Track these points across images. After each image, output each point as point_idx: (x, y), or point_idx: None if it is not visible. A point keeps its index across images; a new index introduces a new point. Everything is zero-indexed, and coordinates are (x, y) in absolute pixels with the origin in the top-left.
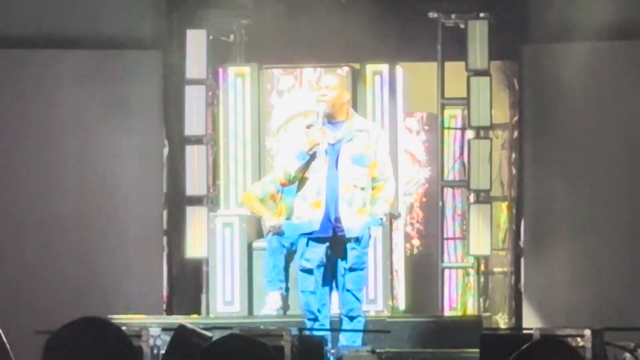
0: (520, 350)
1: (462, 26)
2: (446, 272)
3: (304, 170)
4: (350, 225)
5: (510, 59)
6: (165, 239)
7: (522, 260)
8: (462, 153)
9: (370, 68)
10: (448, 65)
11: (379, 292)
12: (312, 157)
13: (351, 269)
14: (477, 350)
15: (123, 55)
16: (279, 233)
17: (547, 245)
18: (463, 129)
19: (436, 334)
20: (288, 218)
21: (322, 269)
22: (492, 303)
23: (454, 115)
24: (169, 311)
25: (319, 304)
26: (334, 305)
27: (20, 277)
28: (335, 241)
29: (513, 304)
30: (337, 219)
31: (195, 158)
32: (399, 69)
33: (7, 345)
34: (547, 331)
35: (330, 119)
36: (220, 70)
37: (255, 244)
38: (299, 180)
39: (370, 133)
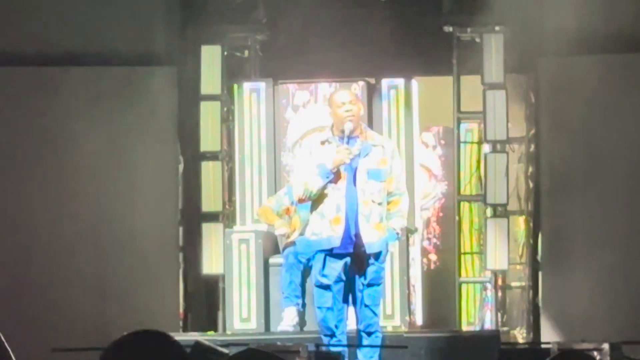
0: None
1: (477, 40)
2: (463, 286)
3: (324, 188)
4: (370, 240)
5: (526, 72)
6: (181, 255)
7: (540, 275)
8: (478, 167)
9: (385, 83)
10: (464, 79)
11: (397, 307)
12: (336, 175)
13: (369, 285)
14: None
15: (137, 72)
16: (289, 245)
17: (565, 259)
18: (479, 143)
19: (454, 349)
20: (302, 233)
21: (339, 285)
22: (509, 318)
23: (470, 129)
24: (185, 328)
25: (336, 320)
26: (351, 320)
27: (36, 295)
28: (354, 257)
29: (531, 319)
30: (357, 235)
31: (210, 174)
32: (415, 83)
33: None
34: (565, 345)
35: (350, 134)
36: (236, 86)
37: (272, 260)
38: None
39: (385, 148)
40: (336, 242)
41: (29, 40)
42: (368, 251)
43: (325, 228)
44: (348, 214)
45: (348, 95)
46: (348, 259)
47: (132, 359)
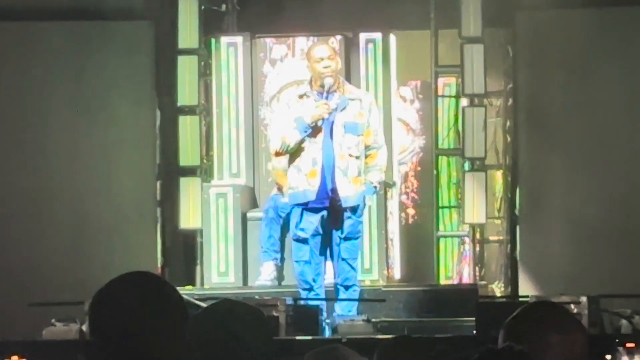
0: (515, 314)
1: None
2: (442, 240)
3: (302, 142)
4: (347, 194)
5: (504, 26)
6: (158, 210)
7: (518, 228)
8: (456, 121)
9: (363, 37)
10: (441, 33)
11: (375, 261)
12: (314, 129)
13: (346, 238)
14: (473, 318)
15: (114, 26)
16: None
17: (543, 213)
18: (457, 97)
19: (432, 303)
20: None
21: (317, 239)
22: (487, 271)
23: (448, 84)
24: None
25: (314, 274)
26: (329, 274)
27: (11, 252)
28: (331, 211)
29: (509, 272)
30: (334, 189)
31: (188, 128)
32: (393, 37)
33: None
34: (543, 299)
35: (329, 89)
36: (213, 40)
37: (250, 214)
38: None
39: (363, 101)
40: (312, 195)
41: None
42: (344, 205)
43: (302, 182)
44: (324, 167)
45: (327, 50)
46: (325, 213)
47: (125, 299)
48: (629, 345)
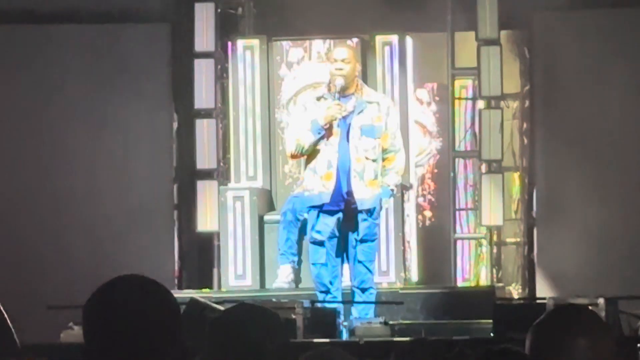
0: (543, 318)
1: None
2: (459, 242)
3: (317, 144)
4: (362, 197)
5: (521, 28)
6: (176, 213)
7: (535, 230)
8: (473, 123)
9: (379, 39)
10: (458, 35)
11: (392, 263)
12: (328, 131)
13: (362, 241)
14: (491, 320)
15: (131, 29)
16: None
17: (560, 215)
18: (474, 99)
19: (449, 305)
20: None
21: (333, 241)
22: (505, 273)
23: (464, 86)
24: (181, 285)
25: (331, 277)
26: (346, 277)
27: (31, 253)
28: (346, 213)
29: (526, 274)
30: (349, 192)
31: (205, 132)
32: (409, 40)
33: (7, 320)
34: (560, 300)
35: (343, 91)
36: (229, 43)
37: (267, 217)
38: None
39: (381, 105)
40: (326, 198)
41: None
42: (360, 207)
43: (317, 184)
44: (340, 170)
45: (344, 52)
46: (340, 215)
47: (118, 305)
48: None
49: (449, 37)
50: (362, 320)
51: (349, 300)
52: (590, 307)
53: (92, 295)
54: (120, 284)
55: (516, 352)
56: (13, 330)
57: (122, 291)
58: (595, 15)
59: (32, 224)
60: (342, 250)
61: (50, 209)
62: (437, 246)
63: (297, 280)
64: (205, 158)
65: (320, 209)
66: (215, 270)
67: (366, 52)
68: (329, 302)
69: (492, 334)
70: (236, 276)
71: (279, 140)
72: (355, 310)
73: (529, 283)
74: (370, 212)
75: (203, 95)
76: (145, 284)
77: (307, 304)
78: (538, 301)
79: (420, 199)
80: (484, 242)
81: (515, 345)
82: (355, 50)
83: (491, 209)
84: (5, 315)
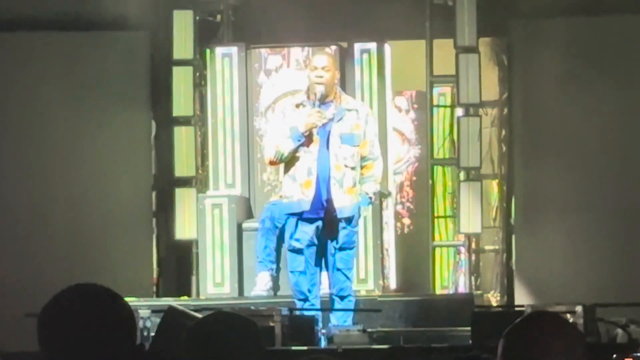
0: (515, 324)
1: (450, 3)
2: (437, 250)
3: (296, 151)
4: (342, 205)
5: (499, 36)
6: (154, 220)
7: (513, 238)
8: (451, 131)
9: (358, 46)
10: (436, 42)
11: (370, 271)
12: (308, 138)
13: (341, 248)
14: (469, 328)
15: (109, 37)
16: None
17: (538, 223)
18: (452, 107)
19: (427, 313)
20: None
21: (312, 249)
22: (483, 281)
23: (443, 93)
24: (159, 293)
25: (309, 284)
26: (324, 285)
27: (6, 261)
28: (326, 221)
29: (505, 282)
30: (329, 200)
31: (183, 139)
32: (387, 47)
33: None
34: (538, 308)
35: (323, 99)
36: (208, 51)
37: (245, 225)
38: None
39: (359, 112)
40: (306, 205)
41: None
42: (339, 215)
43: (296, 191)
44: (319, 178)
45: (324, 60)
46: (319, 223)
47: (71, 315)
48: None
49: (427, 45)
50: (340, 327)
51: (327, 307)
52: (568, 314)
53: (47, 304)
54: (76, 293)
55: (485, 359)
56: None
57: (78, 299)
58: (573, 24)
59: (9, 231)
60: (321, 258)
61: (28, 215)
62: (415, 254)
63: (275, 288)
64: (183, 165)
65: (300, 216)
66: (193, 278)
67: (345, 60)
68: (307, 309)
69: (470, 342)
70: (214, 284)
71: (258, 148)
72: (333, 318)
73: (508, 290)
74: (349, 220)
75: (181, 103)
76: (100, 293)
77: (285, 311)
78: (517, 309)
79: (399, 207)
80: (463, 249)
81: (493, 352)
82: (334, 58)
83: (470, 216)
84: None
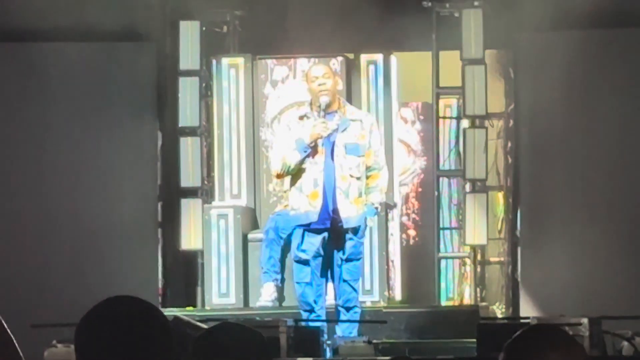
0: (515, 337)
1: (456, 15)
2: (442, 262)
3: (303, 162)
4: (348, 215)
5: (506, 48)
6: (160, 231)
7: (519, 250)
8: (457, 142)
9: (364, 58)
10: (443, 54)
11: (375, 282)
12: (313, 149)
13: (347, 260)
14: (474, 340)
15: (116, 48)
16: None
17: (544, 235)
18: (458, 119)
19: (433, 324)
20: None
21: (318, 260)
22: (488, 293)
23: (449, 105)
24: (164, 303)
25: (315, 295)
26: (330, 296)
27: (13, 272)
28: (332, 232)
29: (510, 294)
30: (335, 210)
31: (189, 150)
32: (394, 59)
33: (10, 334)
34: (544, 320)
35: (327, 108)
36: (214, 61)
37: (250, 236)
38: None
39: (364, 122)
40: (314, 217)
41: (5, 15)
42: (346, 226)
43: (303, 203)
44: (326, 188)
45: (322, 69)
46: (326, 234)
47: (113, 324)
48: None
49: (433, 56)
50: (346, 339)
51: (333, 319)
52: (574, 327)
53: (85, 316)
54: (114, 305)
55: None
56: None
57: (115, 312)
58: (580, 36)
59: (15, 242)
60: (327, 269)
61: (34, 226)
62: (421, 265)
63: (280, 298)
64: (189, 176)
65: (307, 227)
66: (199, 289)
67: (351, 71)
68: (312, 320)
69: (475, 354)
70: (220, 294)
71: (263, 159)
72: (339, 329)
73: (513, 302)
74: (355, 230)
75: (188, 113)
76: (137, 305)
77: (290, 322)
78: (522, 321)
79: (405, 218)
80: (468, 261)
81: None
82: (331, 67)
83: (475, 228)
84: (7, 329)
